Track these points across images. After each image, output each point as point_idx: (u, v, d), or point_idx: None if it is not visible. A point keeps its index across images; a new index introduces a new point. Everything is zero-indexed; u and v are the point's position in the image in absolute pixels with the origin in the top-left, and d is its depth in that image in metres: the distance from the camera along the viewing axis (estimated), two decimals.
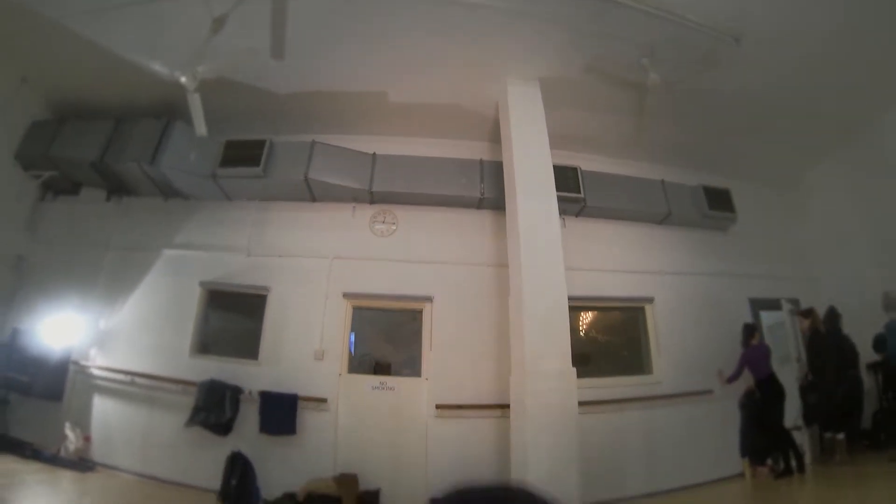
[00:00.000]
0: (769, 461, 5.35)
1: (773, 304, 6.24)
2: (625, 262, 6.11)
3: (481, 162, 6.04)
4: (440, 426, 5.03)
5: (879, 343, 5.67)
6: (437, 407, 5.05)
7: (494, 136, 5.89)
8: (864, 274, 6.22)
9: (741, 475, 5.42)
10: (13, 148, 5.76)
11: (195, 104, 5.04)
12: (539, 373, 4.05)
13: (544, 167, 4.97)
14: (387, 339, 5.59)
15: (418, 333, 5.43)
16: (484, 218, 6.01)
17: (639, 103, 5.26)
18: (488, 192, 5.82)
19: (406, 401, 5.11)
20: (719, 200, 6.45)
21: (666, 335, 5.85)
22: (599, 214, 6.17)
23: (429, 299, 5.49)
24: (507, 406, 4.56)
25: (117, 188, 6.14)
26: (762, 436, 5.36)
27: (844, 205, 6.72)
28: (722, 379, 5.67)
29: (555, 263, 4.49)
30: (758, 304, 6.34)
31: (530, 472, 3.77)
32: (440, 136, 6.29)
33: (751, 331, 5.75)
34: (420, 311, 5.50)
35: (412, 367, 5.34)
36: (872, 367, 5.76)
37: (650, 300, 5.99)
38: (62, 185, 6.24)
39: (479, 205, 5.98)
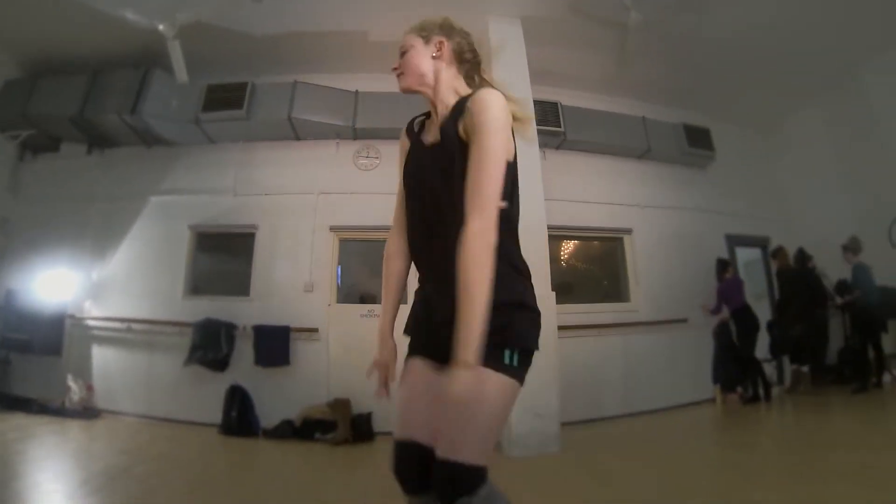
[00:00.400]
0: (738, 389, 5.63)
1: (749, 241, 6.51)
2: (604, 195, 6.15)
3: None
4: None
5: (843, 287, 5.79)
6: None
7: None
8: (839, 216, 6.38)
9: (712, 401, 5.69)
10: None
11: (175, 52, 4.98)
12: None
13: (524, 95, 4.95)
14: (372, 271, 5.61)
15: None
16: None
17: (621, 43, 5.25)
18: None
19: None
20: (699, 139, 6.50)
21: (643, 266, 5.99)
22: (579, 148, 6.17)
23: None
24: None
25: (98, 141, 6.04)
26: (733, 364, 5.60)
27: (823, 149, 6.83)
28: (706, 311, 5.89)
29: (533, 190, 4.46)
30: (733, 241, 6.53)
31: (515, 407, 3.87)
32: None
33: (724, 265, 5.96)
34: None
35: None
36: (841, 307, 5.91)
37: (628, 231, 6.11)
38: (41, 143, 6.10)
39: None
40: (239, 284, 5.48)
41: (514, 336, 1.20)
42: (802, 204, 6.98)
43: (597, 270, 6.42)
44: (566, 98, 6.12)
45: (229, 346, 5.07)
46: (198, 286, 5.61)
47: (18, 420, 4.65)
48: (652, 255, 6.04)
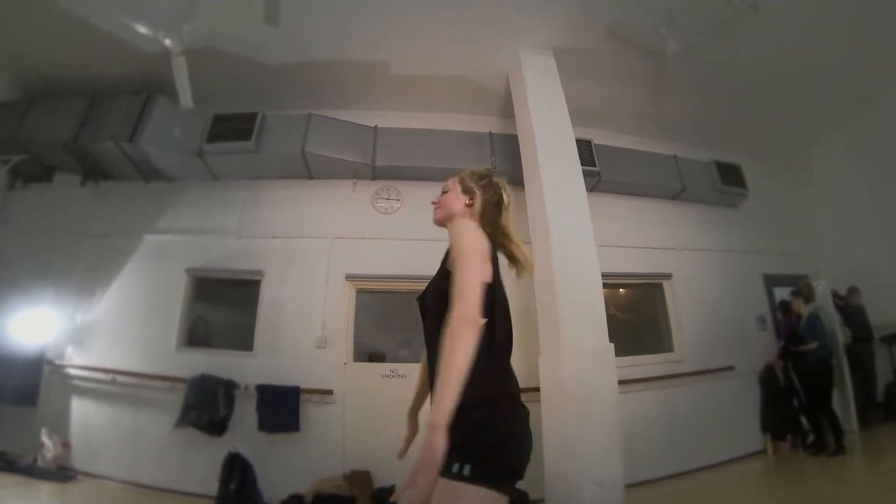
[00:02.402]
0: (788, 436, 5.35)
1: (786, 281, 6.22)
2: (641, 238, 5.87)
3: (491, 135, 5.68)
4: None
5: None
6: None
7: (504, 111, 5.62)
8: (872, 249, 6.21)
9: (763, 452, 5.33)
10: None
11: (180, 69, 4.62)
12: (577, 351, 3.73)
13: (566, 134, 4.69)
14: (384, 326, 5.15)
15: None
16: None
17: (655, 73, 5.20)
18: (500, 165, 5.43)
19: None
20: (731, 176, 6.34)
21: (685, 312, 5.67)
22: (614, 189, 5.90)
23: None
24: (532, 389, 4.18)
25: (93, 172, 5.61)
26: (783, 411, 5.36)
27: (851, 179, 6.64)
28: (779, 363, 5.59)
29: (585, 234, 4.20)
30: (770, 281, 6.29)
31: (572, 458, 3.44)
32: (445, 111, 5.90)
33: (788, 307, 5.72)
34: None
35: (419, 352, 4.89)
36: (886, 339, 5.72)
37: (668, 276, 5.78)
38: (33, 172, 5.70)
39: None
40: (241, 337, 4.96)
41: (469, 451, 1.26)
42: (835, 238, 6.74)
43: (636, 319, 6.05)
44: (598, 137, 5.87)
45: (228, 408, 4.54)
46: (194, 337, 5.10)
47: None
48: (693, 300, 5.72)
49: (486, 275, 1.43)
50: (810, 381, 5.14)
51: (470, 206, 1.68)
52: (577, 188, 4.43)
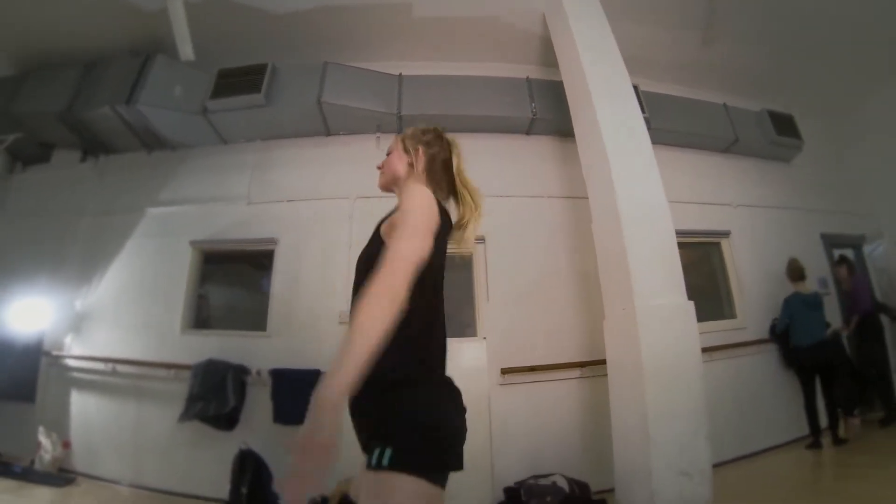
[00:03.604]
0: (857, 411, 4.74)
1: (845, 241, 5.84)
2: (694, 194, 5.18)
3: (528, 80, 5.01)
4: (507, 395, 3.97)
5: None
6: (503, 371, 3.98)
7: (541, 58, 5.06)
8: None
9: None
10: None
11: (178, 15, 4.14)
12: (652, 308, 3.07)
13: (618, 71, 4.01)
14: None
15: (468, 283, 4.35)
16: (536, 144, 4.97)
17: (707, 13, 4.84)
18: (541, 113, 4.80)
19: (459, 367, 3.92)
20: (785, 126, 5.79)
21: (745, 274, 5.09)
22: (662, 140, 5.13)
23: (480, 240, 4.40)
24: (589, 363, 3.90)
25: (93, 146, 5.15)
26: (852, 382, 4.74)
27: None
28: (847, 329, 5.08)
29: (652, 178, 3.53)
30: (829, 241, 5.77)
31: (648, 442, 2.84)
32: (474, 59, 5.21)
33: (849, 265, 5.29)
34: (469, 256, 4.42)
35: (460, 324, 4.26)
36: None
37: (726, 234, 5.18)
38: (31, 152, 5.30)
39: (530, 129, 4.94)
40: (253, 316, 4.35)
41: (390, 436, 1.12)
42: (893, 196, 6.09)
43: (692, 282, 5.33)
44: (644, 83, 5.18)
45: (239, 397, 3.92)
46: (201, 318, 4.52)
47: None
48: (752, 261, 5.14)
49: (424, 249, 1.20)
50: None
51: (411, 165, 1.53)
52: (637, 128, 3.77)
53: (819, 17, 4.99)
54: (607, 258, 3.46)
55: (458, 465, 1.17)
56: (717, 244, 5.22)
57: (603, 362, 3.47)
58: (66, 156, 5.24)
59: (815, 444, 4.23)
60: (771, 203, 5.56)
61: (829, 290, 5.34)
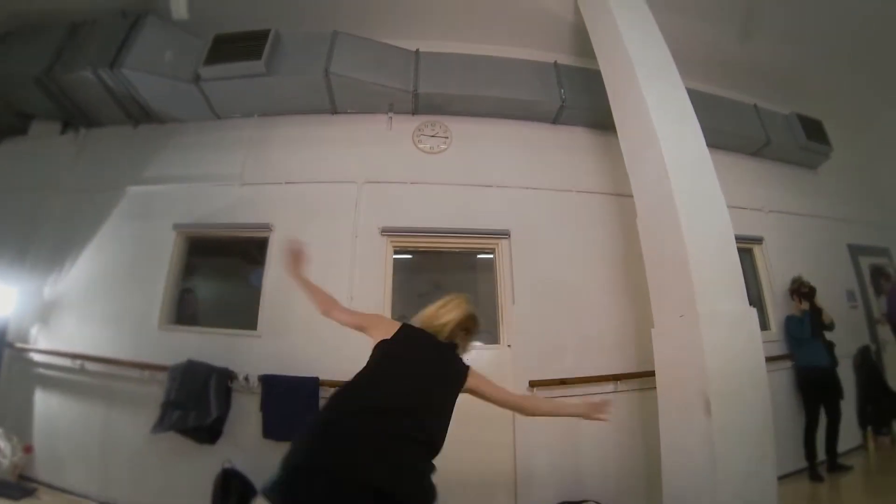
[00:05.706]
0: (888, 429, 4.77)
1: (872, 252, 5.67)
2: (726, 195, 4.72)
3: (556, 65, 4.61)
4: None
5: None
6: (532, 385, 3.56)
7: (572, 47, 4.68)
8: None
9: (863, 448, 4.61)
10: None
11: None
12: (718, 316, 2.69)
13: (664, 53, 3.63)
14: (431, 294, 4.00)
15: (489, 283, 3.97)
16: (564, 134, 4.60)
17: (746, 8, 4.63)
18: (570, 100, 4.39)
19: None
20: (814, 131, 5.59)
21: (779, 284, 4.79)
22: None
23: (504, 234, 3.98)
24: (624, 377, 3.50)
25: (75, 117, 4.69)
26: (885, 398, 4.74)
27: None
28: (883, 321, 5.12)
29: (707, 169, 3.14)
30: (856, 251, 5.59)
31: (706, 466, 2.51)
32: (496, 42, 4.79)
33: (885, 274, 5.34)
34: (492, 252, 4.04)
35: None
36: None
37: (759, 241, 4.90)
38: (7, 122, 4.83)
39: (557, 118, 4.55)
40: (242, 313, 3.91)
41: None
42: None
43: None
44: None
45: (222, 406, 3.46)
46: (182, 312, 4.06)
47: None
48: (784, 270, 4.84)
49: (388, 332, 1.90)
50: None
51: None
52: (687, 114, 3.34)
53: (852, 21, 4.80)
54: (659, 258, 3.05)
55: (294, 493, 1.37)
56: (750, 250, 4.93)
57: (639, 375, 3.27)
58: (46, 127, 4.83)
59: (815, 477, 3.97)
60: (800, 210, 5.33)
61: (857, 302, 5.17)
